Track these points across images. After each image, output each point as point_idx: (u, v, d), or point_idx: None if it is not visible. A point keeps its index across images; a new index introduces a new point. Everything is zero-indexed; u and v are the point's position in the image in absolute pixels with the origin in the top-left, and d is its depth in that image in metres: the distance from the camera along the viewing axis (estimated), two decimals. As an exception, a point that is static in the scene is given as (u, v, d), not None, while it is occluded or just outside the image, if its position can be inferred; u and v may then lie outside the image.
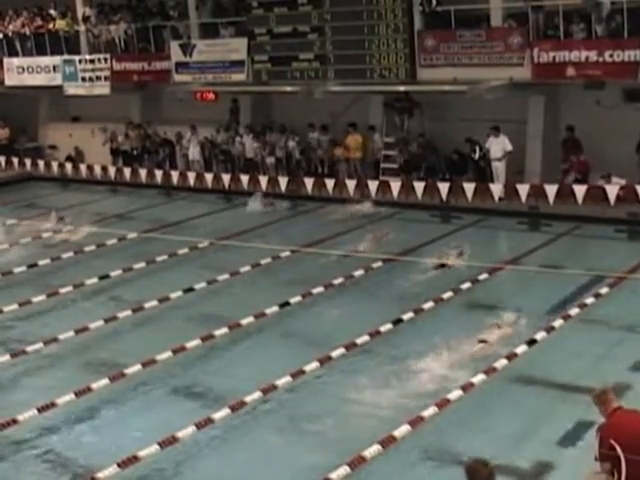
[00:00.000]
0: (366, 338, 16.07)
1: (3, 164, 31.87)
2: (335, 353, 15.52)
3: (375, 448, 12.13)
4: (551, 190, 23.25)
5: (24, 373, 16.29)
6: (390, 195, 25.17)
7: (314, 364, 15.10)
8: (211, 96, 30.91)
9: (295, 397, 14.46)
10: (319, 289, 19.09)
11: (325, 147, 28.77)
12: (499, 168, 25.06)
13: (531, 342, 15.40)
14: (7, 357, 16.46)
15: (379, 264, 20.60)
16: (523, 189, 23.65)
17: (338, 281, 19.54)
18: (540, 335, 15.65)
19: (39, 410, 14.16)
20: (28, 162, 30.65)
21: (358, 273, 20.09)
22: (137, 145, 32.69)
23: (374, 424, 13.18)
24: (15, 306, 19.25)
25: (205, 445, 13.15)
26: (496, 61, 24.17)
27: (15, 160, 31.89)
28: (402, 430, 12.58)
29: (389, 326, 16.63)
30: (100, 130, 32.95)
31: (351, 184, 26.04)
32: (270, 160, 29.42)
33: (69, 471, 12.78)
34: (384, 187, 25.43)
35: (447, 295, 18.17)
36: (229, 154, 30.46)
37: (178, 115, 31.57)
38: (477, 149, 25.35)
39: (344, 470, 11.63)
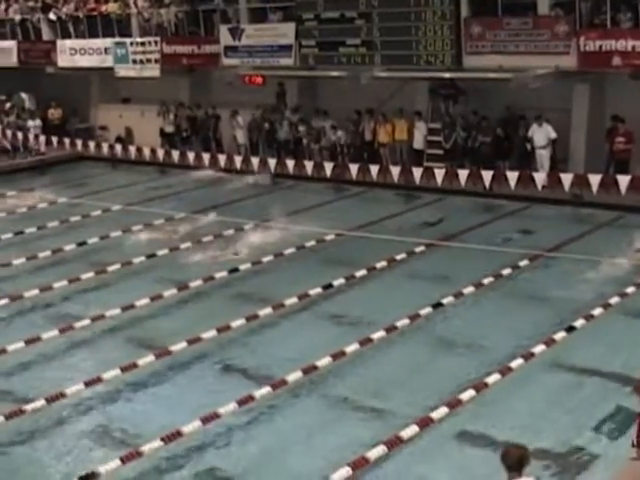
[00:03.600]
0: (406, 321, 16.16)
1: (55, 144, 32.15)
2: (375, 335, 15.63)
3: (412, 429, 12.24)
4: (594, 179, 23.11)
5: (72, 348, 16.52)
6: (434, 181, 25.17)
7: (354, 345, 15.22)
8: (259, 80, 30.99)
9: (335, 378, 14.58)
10: (362, 272, 19.20)
11: (369, 132, 28.76)
12: (543, 156, 24.97)
13: (570, 329, 15.43)
14: (56, 332, 16.70)
15: (422, 248, 20.66)
16: (567, 178, 23.53)
17: (381, 264, 19.64)
18: (579, 323, 15.68)
19: (86, 384, 14.39)
20: (79, 142, 30.92)
21: (400, 257, 20.16)
22: (185, 127, 32.89)
23: (411, 404, 13.30)
24: (65, 282, 19.53)
25: (245, 421, 13.32)
26: (542, 49, 24.04)
27: (67, 140, 32.16)
28: (440, 412, 12.67)
29: (429, 310, 16.71)
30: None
31: (395, 170, 26.06)
32: (315, 145, 29.51)
33: (114, 445, 12.96)
34: (428, 174, 25.41)
35: (488, 280, 18.20)
36: (275, 138, 30.56)
37: (226, 98, 31.71)
38: (524, 130, 25.30)
39: (381, 449, 11.75)
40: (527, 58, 24.22)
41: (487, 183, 24.53)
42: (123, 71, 33.52)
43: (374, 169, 26.23)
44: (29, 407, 13.71)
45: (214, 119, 32.32)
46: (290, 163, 28.03)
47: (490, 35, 24.90)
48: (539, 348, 14.64)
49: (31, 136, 33.74)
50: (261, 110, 31.04)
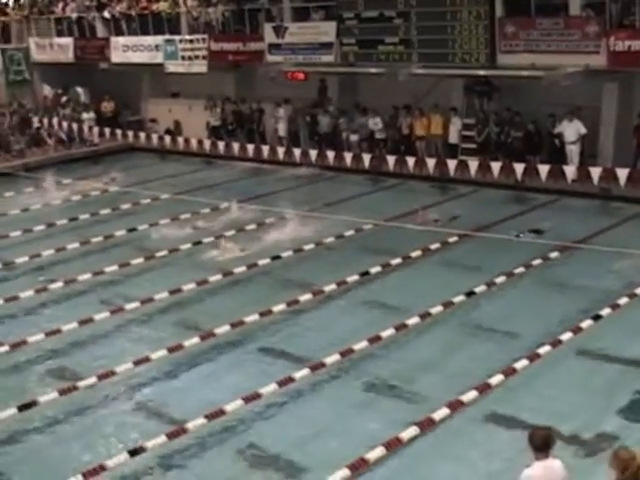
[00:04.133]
0: (439, 308, 16.15)
1: (108, 135, 32.38)
2: (410, 321, 15.64)
3: (443, 411, 12.25)
4: (622, 173, 22.94)
5: (122, 329, 16.72)
6: (468, 174, 25.09)
7: (390, 330, 15.23)
8: (301, 76, 31.00)
9: (371, 361, 14.62)
10: (397, 260, 19.20)
11: (406, 126, 28.72)
12: (573, 151, 24.80)
13: (596, 317, 15.36)
14: (107, 314, 16.87)
15: (455, 239, 20.62)
16: (595, 172, 23.36)
17: (416, 253, 19.62)
18: (606, 311, 15.58)
19: (135, 364, 14.56)
20: (130, 134, 31.11)
21: (434, 246, 20.14)
22: (231, 120, 33.01)
23: (442, 388, 13.31)
24: (115, 267, 19.70)
25: (285, 402, 13.40)
26: (573, 48, 23.82)
27: (119, 132, 32.37)
28: (470, 395, 12.67)
29: (462, 297, 16.68)
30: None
31: (431, 162, 26.00)
32: (354, 138, 29.52)
33: (161, 421, 13.11)
34: (462, 166, 25.34)
35: (519, 270, 18.13)
36: (316, 131, 30.59)
37: (269, 93, 31.77)
38: (555, 126, 25.14)
39: (414, 430, 11.77)
40: (558, 57, 24.02)
41: (519, 176, 24.41)
42: (172, 67, 33.65)
43: (410, 161, 26.18)
44: (81, 384, 13.91)
45: (258, 113, 32.40)
46: (330, 155, 28.02)
47: (523, 34, 24.72)
48: (566, 335, 14.58)
49: (85, 128, 34.00)
50: (302, 104, 31.04)
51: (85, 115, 35.24)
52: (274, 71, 30.78)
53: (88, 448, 12.39)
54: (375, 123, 28.94)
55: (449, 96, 28.26)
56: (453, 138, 27.83)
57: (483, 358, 14.37)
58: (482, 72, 26.13)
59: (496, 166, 24.61)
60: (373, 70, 28.19)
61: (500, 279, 17.65)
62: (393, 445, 11.46)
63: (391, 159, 26.51)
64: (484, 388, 12.93)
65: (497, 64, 25.55)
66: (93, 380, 14.00)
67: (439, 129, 27.99)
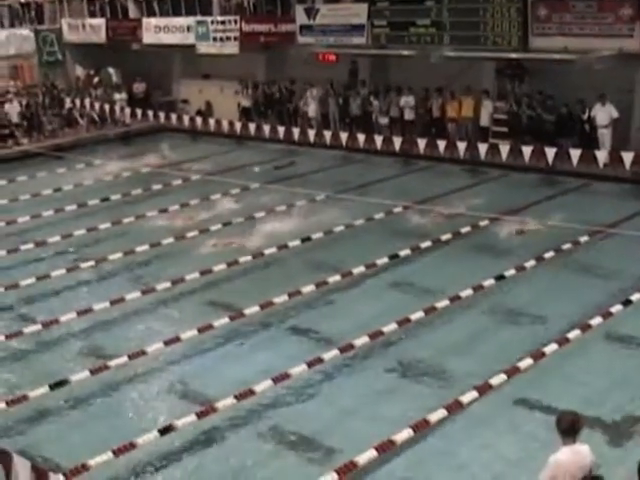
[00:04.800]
0: (469, 292, 16.14)
1: (139, 116, 32.51)
2: (440, 304, 15.64)
3: (472, 394, 12.27)
4: (654, 158, 22.76)
5: (153, 309, 16.83)
6: (499, 157, 24.98)
7: (419, 313, 15.24)
8: (332, 57, 30.98)
9: (400, 343, 14.65)
10: (427, 243, 19.18)
11: (437, 109, 28.64)
12: (605, 135, 24.61)
13: (626, 302, 15.29)
14: (138, 294, 16.99)
15: (486, 222, 20.55)
16: (627, 156, 23.16)
17: (446, 237, 19.60)
18: (636, 297, 15.50)
19: (165, 343, 14.65)
20: (162, 115, 31.21)
21: (465, 230, 20.10)
22: (262, 101, 33.03)
23: (471, 371, 13.32)
24: (146, 247, 19.81)
25: (314, 383, 13.47)
26: (606, 32, 23.63)
27: (150, 113, 32.50)
28: (499, 379, 12.67)
29: (491, 281, 16.65)
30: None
31: (462, 145, 25.92)
32: (384, 120, 29.47)
33: (190, 400, 13.21)
34: (493, 150, 25.24)
35: (548, 255, 18.06)
36: (347, 112, 30.56)
37: (300, 75, 31.77)
38: (587, 111, 24.95)
39: (442, 413, 11.80)
40: (591, 40, 23.84)
41: (550, 160, 24.27)
42: (204, 48, 33.69)
43: (441, 144, 26.13)
44: (112, 363, 14.00)
45: (289, 94, 32.41)
46: (361, 137, 28.01)
47: (556, 17, 24.54)
48: (596, 320, 14.53)
49: (117, 108, 34.15)
50: (329, 85, 31.00)
51: (117, 96, 35.39)
52: (305, 53, 30.78)
53: (118, 426, 12.51)
54: (407, 101, 28.86)
55: (480, 79, 28.13)
56: (484, 121, 27.71)
57: (512, 342, 14.37)
58: (514, 55, 25.98)
59: (527, 150, 24.48)
60: (404, 52, 28.13)
61: (530, 263, 17.59)
62: (421, 427, 11.47)
63: (422, 142, 26.45)
64: (513, 372, 12.90)
65: (529, 47, 25.39)
66: (124, 359, 14.09)
67: (470, 112, 27.89)
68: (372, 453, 10.80)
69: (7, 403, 12.84)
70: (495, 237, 19.87)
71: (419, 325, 15.11)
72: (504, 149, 24.92)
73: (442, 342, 14.65)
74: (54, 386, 13.23)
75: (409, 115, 29.01)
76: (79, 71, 38.01)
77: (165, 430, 11.75)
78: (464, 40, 26.47)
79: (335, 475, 10.38)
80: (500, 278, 16.82)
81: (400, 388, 13.35)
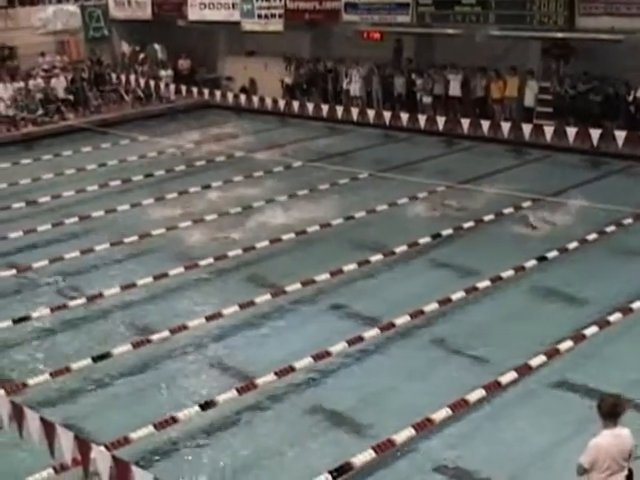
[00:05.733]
0: (510, 272, 16.06)
1: (184, 93, 32.58)
2: (481, 284, 15.59)
3: (511, 375, 12.23)
4: (701, 140, 22.44)
5: (196, 285, 16.94)
6: (543, 138, 24.76)
7: (460, 293, 15.21)
8: (377, 36, 30.87)
9: (441, 323, 14.64)
10: (470, 223, 19.10)
11: (481, 89, 28.44)
12: (651, 116, 24.35)
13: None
14: (181, 269, 17.09)
15: (528, 204, 20.41)
16: (674, 137, 22.88)
17: (489, 217, 19.50)
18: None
19: (207, 319, 14.75)
20: (206, 92, 31.24)
21: (507, 210, 19.98)
22: (306, 79, 32.98)
23: (511, 351, 13.27)
24: (189, 222, 19.90)
25: (354, 361, 13.50)
26: (654, 12, 23.34)
27: (195, 89, 32.54)
28: (538, 360, 12.61)
29: (533, 262, 16.55)
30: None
31: (506, 126, 25.72)
32: (427, 100, 29.31)
33: (231, 376, 13.31)
34: (537, 130, 25.00)
35: (592, 237, 17.91)
36: (391, 91, 30.44)
37: (344, 52, 31.67)
38: (632, 92, 24.65)
39: (480, 393, 11.78)
40: (638, 20, 23.50)
41: (595, 141, 23.99)
42: (249, 25, 33.63)
43: (485, 124, 25.94)
44: (154, 337, 14.14)
45: (333, 72, 32.33)
46: (404, 116, 27.87)
47: (603, -4, 24.27)
48: (637, 304, 14.41)
49: (162, 85, 34.22)
50: (374, 64, 30.87)
51: (163, 72, 35.48)
52: (350, 30, 30.66)
53: (160, 400, 12.65)
54: (454, 78, 28.68)
55: (525, 59, 27.88)
56: (529, 101, 27.49)
57: (553, 323, 14.29)
58: (560, 35, 25.72)
59: (572, 131, 24.22)
60: (449, 31, 27.96)
61: (572, 244, 17.47)
62: (459, 407, 11.47)
63: (465, 121, 26.30)
64: (553, 353, 12.86)
65: (576, 27, 25.09)
66: (166, 334, 14.24)
67: (514, 92, 27.67)
68: (410, 431, 10.82)
69: (51, 374, 13.01)
70: (538, 218, 19.69)
71: (460, 305, 15.09)
72: (548, 130, 24.65)
73: (483, 322, 14.63)
74: (97, 359, 13.37)
75: (453, 94, 28.80)
76: (125, 47, 38.11)
77: (206, 405, 11.85)
78: (509, 19, 26.23)
79: (372, 452, 10.41)
80: (542, 259, 16.72)
81: (439, 367, 13.35)
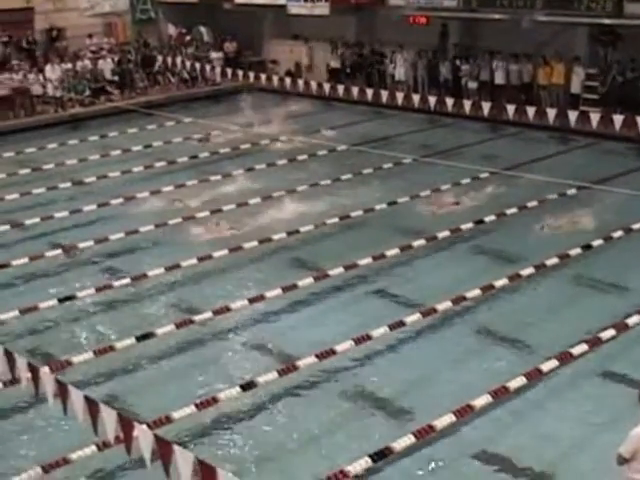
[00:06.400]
0: (555, 260, 15.95)
1: (230, 75, 32.63)
2: (524, 271, 15.50)
3: (552, 363, 12.17)
4: None
5: (240, 267, 16.99)
6: (589, 125, 24.51)
7: (503, 280, 15.13)
8: (423, 20, 30.72)
9: (483, 309, 14.60)
10: (513, 210, 18.98)
11: (528, 75, 28.21)
12: (700, 104, 24.01)
13: None
14: (225, 251, 17.16)
15: (573, 191, 20.23)
16: None
17: (532, 204, 19.35)
18: None
19: (250, 301, 14.81)
20: (251, 75, 31.27)
21: (551, 197, 19.83)
22: (351, 63, 32.91)
23: (553, 339, 13.22)
24: (233, 206, 19.97)
25: (395, 345, 13.51)
26: None
27: (240, 72, 32.60)
28: (580, 349, 12.54)
29: (578, 250, 16.43)
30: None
31: (551, 112, 25.48)
32: (473, 85, 29.14)
33: (273, 358, 13.39)
34: (583, 117, 24.75)
35: (637, 226, 17.72)
36: (436, 76, 30.30)
37: (390, 37, 31.55)
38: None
39: (521, 380, 11.73)
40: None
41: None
42: (295, 9, 33.61)
43: (530, 110, 25.72)
44: (197, 318, 14.23)
45: (378, 56, 32.22)
46: (449, 101, 27.71)
47: (653, -18, 23.96)
48: (682, 293, 14.31)
49: (208, 67, 34.25)
50: (418, 49, 30.75)
51: (214, 55, 35.51)
52: (396, 15, 30.53)
53: (201, 380, 12.74)
54: (498, 66, 28.47)
55: (572, 45, 27.61)
56: (575, 88, 27.23)
57: (595, 312, 14.21)
58: (608, 21, 25.41)
59: (618, 118, 23.95)
60: (496, 16, 27.74)
61: (617, 234, 17.31)
62: (500, 394, 11.43)
63: (511, 107, 26.10)
64: (595, 342, 12.77)
65: (624, 13, 24.80)
66: (209, 315, 14.32)
67: (561, 78, 27.43)
68: (450, 417, 10.81)
69: (95, 353, 13.14)
70: (583, 206, 19.54)
71: (502, 292, 15.02)
72: (594, 117, 24.41)
73: (525, 309, 14.59)
74: (140, 338, 13.49)
75: (499, 80, 28.61)
76: (171, 29, 38.21)
77: (247, 386, 11.92)
78: (557, 4, 26.00)
79: (412, 437, 10.42)
80: (587, 247, 16.59)
81: (481, 353, 13.31)
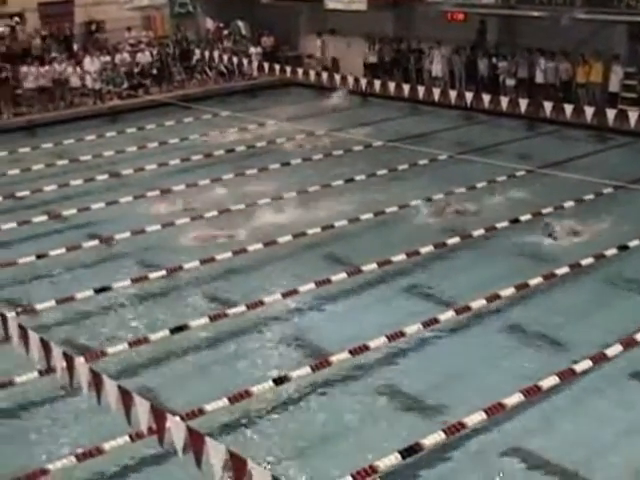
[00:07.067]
0: (590, 260, 15.85)
1: (267, 70, 32.71)
2: (560, 270, 15.42)
3: (586, 363, 12.11)
4: None
5: (273, 261, 17.05)
6: (627, 124, 24.34)
7: (538, 279, 15.06)
8: (460, 16, 30.60)
9: (517, 308, 14.54)
10: (549, 209, 18.86)
11: (566, 73, 28.02)
12: None
13: None
14: (260, 245, 17.23)
15: (610, 190, 20.09)
16: None
17: (568, 204, 19.23)
18: None
19: (283, 295, 14.87)
20: (288, 69, 31.33)
21: (588, 197, 19.69)
22: (388, 59, 32.86)
23: (586, 339, 13.17)
24: (267, 200, 20.02)
25: (428, 342, 13.51)
26: None
27: (277, 67, 32.67)
28: (614, 349, 12.47)
29: (614, 251, 16.31)
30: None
31: (589, 110, 25.33)
32: (510, 82, 29.00)
33: (305, 352, 13.45)
34: (622, 116, 24.57)
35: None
36: (474, 73, 30.17)
37: (427, 33, 31.44)
38: None
39: (553, 380, 11.68)
40: None
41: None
42: (332, 4, 33.59)
43: (568, 108, 25.57)
44: (231, 311, 14.30)
45: (416, 52, 32.14)
46: (486, 98, 27.59)
47: (696, -20, 23.71)
48: None
49: (246, 62, 34.32)
50: (456, 45, 30.64)
51: (252, 49, 35.55)
52: (433, 11, 30.43)
53: (234, 374, 12.81)
54: (539, 63, 28.30)
55: (611, 43, 27.36)
56: (613, 86, 26.99)
57: (630, 312, 14.11)
58: (647, 19, 25.20)
59: (657, 117, 23.81)
60: (534, 13, 27.55)
61: (654, 234, 17.21)
62: (532, 393, 11.39)
63: (548, 105, 25.96)
64: (630, 343, 12.69)
65: (666, 11, 24.59)
66: (242, 309, 14.38)
67: (599, 77, 27.18)
68: (481, 415, 10.80)
69: (129, 344, 13.25)
70: (619, 205, 19.40)
71: (536, 290, 14.95)
72: (633, 115, 24.23)
73: (559, 308, 14.50)
74: (174, 330, 13.58)
75: (537, 78, 28.44)
76: (209, 23, 38.31)
77: (280, 380, 11.97)
78: (596, 2, 25.75)
79: (443, 434, 10.42)
80: (623, 248, 16.47)
81: (513, 352, 13.27)
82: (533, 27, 28.60)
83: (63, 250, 17.14)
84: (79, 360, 10.67)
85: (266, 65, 31.36)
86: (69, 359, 10.38)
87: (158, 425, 9.05)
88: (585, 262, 15.76)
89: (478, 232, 17.58)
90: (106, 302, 15.32)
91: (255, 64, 32.71)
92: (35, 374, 12.14)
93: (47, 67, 30.76)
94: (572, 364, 12.10)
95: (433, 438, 10.32)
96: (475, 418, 10.74)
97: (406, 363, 13.02)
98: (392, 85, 28.63)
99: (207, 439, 8.34)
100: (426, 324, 13.47)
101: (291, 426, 11.55)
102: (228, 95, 33.11)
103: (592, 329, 13.64)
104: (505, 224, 18.00)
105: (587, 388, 11.98)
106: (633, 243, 16.66)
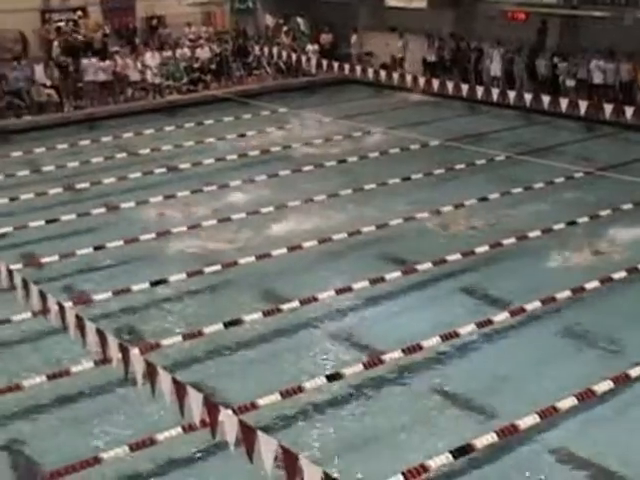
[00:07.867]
0: (647, 264, 15.70)
1: (325, 67, 32.77)
2: (617, 275, 15.23)
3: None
4: None
5: (328, 259, 17.05)
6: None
7: (594, 283, 14.90)
8: (521, 16, 30.40)
9: (573, 310, 14.42)
10: (607, 212, 18.65)
11: (628, 74, 27.68)
12: None
13: None
14: (314, 242, 17.26)
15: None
16: None
17: (627, 206, 18.98)
18: None
19: (337, 292, 14.89)
20: (347, 67, 31.35)
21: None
22: (448, 58, 32.72)
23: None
24: (324, 196, 20.05)
25: (482, 343, 13.47)
26: None
27: (335, 64, 32.71)
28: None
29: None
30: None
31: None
32: (571, 83, 28.71)
33: (358, 350, 13.43)
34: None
35: None
36: (534, 73, 29.93)
37: (488, 32, 31.26)
38: None
39: (608, 384, 11.57)
40: None
41: None
42: (393, 1, 33.57)
43: (629, 110, 25.25)
44: (285, 307, 14.35)
45: (476, 51, 31.95)
46: (545, 99, 27.36)
47: None
48: None
49: (304, 59, 34.40)
50: (516, 45, 30.42)
51: (309, 47, 35.58)
52: (494, 10, 30.26)
53: (287, 369, 12.87)
54: (598, 65, 27.98)
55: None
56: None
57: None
58: None
59: None
60: (597, 13, 27.27)
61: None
62: (586, 397, 11.29)
63: (608, 107, 25.68)
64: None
65: None
66: (296, 304, 14.43)
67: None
68: (534, 418, 10.73)
69: (183, 337, 13.37)
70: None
71: (594, 293, 14.80)
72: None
73: (616, 312, 14.35)
74: (228, 324, 13.67)
75: (596, 79, 28.13)
76: (268, 20, 38.46)
77: (332, 377, 12.00)
78: (661, 3, 25.48)
79: (495, 436, 10.38)
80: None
81: (567, 355, 13.17)
82: (595, 27, 28.30)
83: (121, 242, 17.33)
84: (134, 351, 10.79)
85: (324, 62, 31.41)
86: (124, 350, 10.50)
87: (211, 418, 9.13)
88: (643, 266, 15.62)
89: (534, 234, 17.41)
90: (162, 295, 15.45)
91: (313, 61, 32.76)
92: (90, 364, 12.32)
93: (108, 61, 31.10)
94: (628, 369, 11.97)
95: (485, 439, 10.29)
96: (528, 420, 10.67)
97: (460, 363, 12.98)
98: (450, 84, 28.56)
99: (259, 433, 8.39)
100: (480, 324, 13.41)
101: (343, 423, 11.57)
102: (286, 92, 33.16)
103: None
104: (562, 226, 17.83)
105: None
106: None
